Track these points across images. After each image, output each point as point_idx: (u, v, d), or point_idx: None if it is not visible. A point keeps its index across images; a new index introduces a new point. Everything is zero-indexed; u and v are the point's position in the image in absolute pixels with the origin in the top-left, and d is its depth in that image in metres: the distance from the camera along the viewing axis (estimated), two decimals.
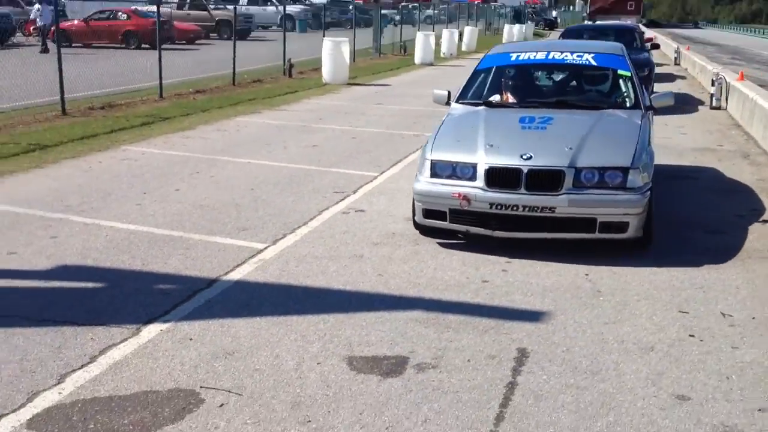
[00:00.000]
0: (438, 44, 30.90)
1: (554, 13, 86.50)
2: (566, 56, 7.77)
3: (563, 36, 17.61)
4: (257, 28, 38.63)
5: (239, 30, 35.50)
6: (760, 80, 18.92)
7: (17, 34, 30.71)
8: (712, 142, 11.69)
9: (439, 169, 6.27)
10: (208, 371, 4.26)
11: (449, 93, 7.79)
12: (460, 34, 35.37)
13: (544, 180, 5.92)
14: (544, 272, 5.83)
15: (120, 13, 29.56)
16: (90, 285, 5.54)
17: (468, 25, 41.91)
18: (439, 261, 6.06)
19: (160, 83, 15.61)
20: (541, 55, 7.93)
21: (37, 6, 26.80)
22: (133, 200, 7.74)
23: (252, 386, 4.10)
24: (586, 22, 71.93)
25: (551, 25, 74.01)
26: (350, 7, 52.03)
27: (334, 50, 19.19)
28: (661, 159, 10.10)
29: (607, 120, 6.90)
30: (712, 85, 15.55)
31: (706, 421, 3.79)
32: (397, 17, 46.09)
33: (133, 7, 28.80)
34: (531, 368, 4.32)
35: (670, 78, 22.25)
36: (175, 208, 7.45)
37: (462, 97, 7.73)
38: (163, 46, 25.85)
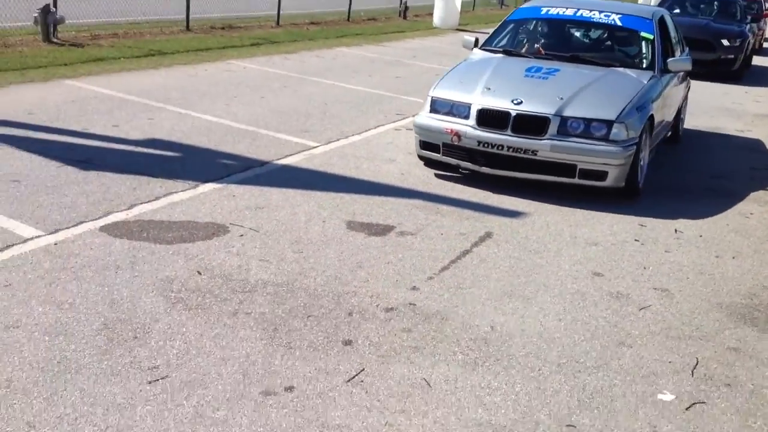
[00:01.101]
0: None
1: None
2: (594, 14, 8.01)
3: (665, 1, 17.69)
4: None
5: None
6: None
7: None
8: None
9: (438, 106, 6.75)
10: (239, 215, 5.53)
11: (477, 39, 8.27)
12: None
13: (530, 124, 6.33)
14: (540, 186, 6.79)
15: None
16: (169, 153, 6.92)
17: None
18: (455, 171, 7.11)
19: (278, 11, 17.02)
20: (570, 12, 8.14)
21: None
22: (224, 101, 9.11)
23: (267, 227, 5.35)
24: None
25: None
26: None
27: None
28: (716, 122, 10.69)
29: (611, 76, 7.17)
30: None
31: (606, 289, 4.78)
32: None
33: None
34: (488, 244, 5.38)
35: None
36: (255, 111, 8.77)
37: (486, 44, 8.16)
38: None
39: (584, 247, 5.49)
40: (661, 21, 8.30)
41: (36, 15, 11.83)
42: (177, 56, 11.85)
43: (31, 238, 4.79)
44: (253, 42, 14.20)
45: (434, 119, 6.74)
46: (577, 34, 8.49)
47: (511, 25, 8.42)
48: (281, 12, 17.13)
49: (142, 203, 5.58)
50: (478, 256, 5.13)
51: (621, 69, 7.40)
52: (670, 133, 8.70)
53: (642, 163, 6.73)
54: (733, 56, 15.14)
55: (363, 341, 3.91)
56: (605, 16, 7.99)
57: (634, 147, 6.36)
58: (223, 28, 15.46)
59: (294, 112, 8.85)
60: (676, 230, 6.03)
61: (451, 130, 6.55)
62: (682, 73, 8.54)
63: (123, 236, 4.97)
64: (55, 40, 11.89)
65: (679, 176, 7.75)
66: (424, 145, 6.85)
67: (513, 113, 6.38)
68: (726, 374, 3.90)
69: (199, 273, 4.52)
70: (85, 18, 13.37)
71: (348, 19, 19.54)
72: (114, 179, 6.01)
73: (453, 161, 6.73)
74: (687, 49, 9.41)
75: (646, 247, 5.62)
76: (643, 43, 7.79)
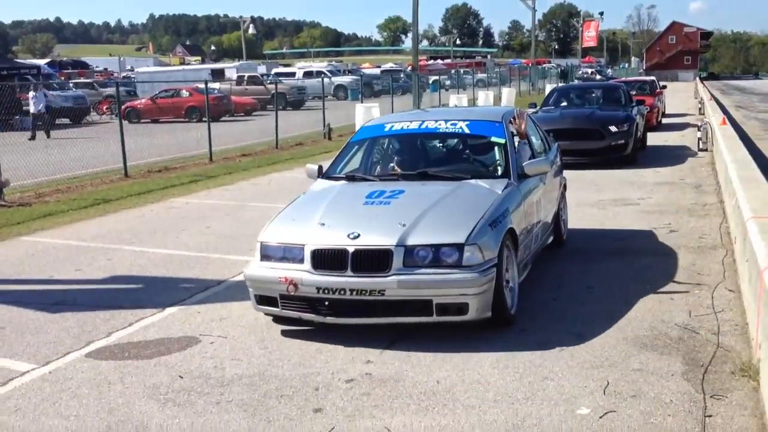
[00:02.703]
0: (475, 104, 33.12)
1: (610, 71, 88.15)
2: (440, 125, 7.40)
3: (551, 95, 18.47)
4: (312, 98, 41.48)
5: (293, 101, 38.70)
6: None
7: (92, 113, 34.03)
8: (676, 177, 13.38)
9: (270, 252, 5.95)
10: (206, 327, 6.25)
11: (320, 167, 7.48)
12: (499, 96, 37.58)
13: (372, 260, 5.54)
14: None
15: (183, 91, 32.69)
16: (133, 286, 7.62)
17: (516, 86, 44.24)
18: None
19: (210, 149, 18.08)
20: (414, 125, 7.53)
21: (32, 93, 25.35)
22: (173, 235, 9.89)
23: (234, 333, 6.07)
24: (640, 75, 72.72)
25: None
26: (401, 74, 55.05)
27: (365, 114, 21.47)
28: (621, 193, 11.85)
29: (461, 191, 6.47)
30: (698, 130, 17.20)
31: (531, 340, 5.61)
32: (448, 82, 48.76)
33: (194, 85, 31.80)
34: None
35: (682, 127, 23.80)
36: (204, 239, 9.56)
37: (330, 172, 7.37)
38: (222, 118, 28.94)
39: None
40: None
41: None
42: (122, 201, 12.65)
43: (27, 371, 5.42)
44: (191, 179, 15.13)
45: (266, 268, 5.90)
46: (426, 147, 7.69)
47: (355, 147, 7.65)
48: (213, 149, 18.16)
49: (118, 330, 6.26)
50: (420, 328, 5.92)
51: (473, 181, 6.72)
52: (551, 238, 8.21)
53: (511, 284, 6.08)
54: (623, 141, 15.04)
55: (331, 407, 4.63)
56: (452, 125, 7.35)
57: (494, 269, 5.61)
58: (160, 171, 16.36)
59: (239, 236, 9.65)
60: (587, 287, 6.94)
61: (286, 279, 5.67)
62: (553, 170, 8.07)
63: (108, 358, 5.63)
64: (2, 203, 12.58)
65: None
66: (260, 299, 5.99)
67: (350, 250, 5.57)
68: (631, 389, 4.73)
69: (181, 377, 5.21)
70: (28, 179, 14.14)
71: (276, 147, 20.69)
72: (88, 315, 6.67)
73: (294, 314, 5.90)
74: (555, 146, 9.01)
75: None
76: (496, 148, 7.16)
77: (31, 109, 24.81)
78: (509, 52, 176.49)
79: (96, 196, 13.18)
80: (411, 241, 5.59)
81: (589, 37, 78.37)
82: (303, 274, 5.67)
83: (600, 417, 4.36)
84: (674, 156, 16.42)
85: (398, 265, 5.51)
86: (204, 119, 19.13)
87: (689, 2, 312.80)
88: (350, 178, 7.16)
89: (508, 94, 38.63)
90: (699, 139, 16.98)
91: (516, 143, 7.26)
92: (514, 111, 7.63)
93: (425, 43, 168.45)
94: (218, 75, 45.98)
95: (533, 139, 7.82)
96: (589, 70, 73.53)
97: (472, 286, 5.48)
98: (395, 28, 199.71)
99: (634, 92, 20.15)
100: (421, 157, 7.49)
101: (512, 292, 6.09)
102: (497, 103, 34.83)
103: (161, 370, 5.34)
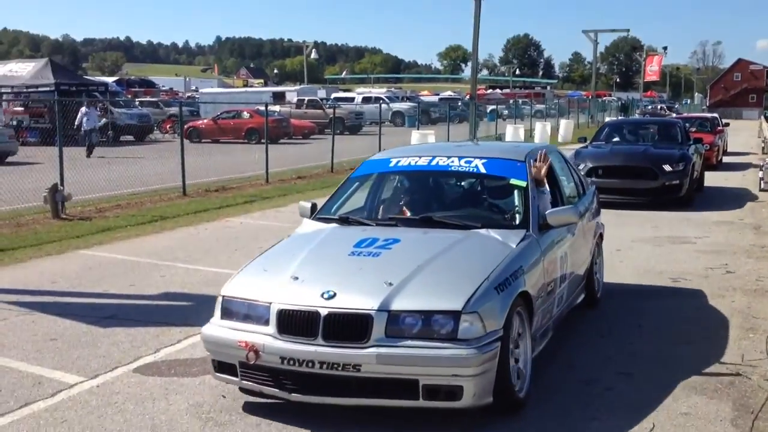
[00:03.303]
0: (531, 136, 33.03)
1: (676, 106, 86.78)
2: (452, 162, 6.29)
3: (602, 129, 17.44)
4: (369, 124, 41.78)
5: (351, 126, 39.04)
6: None
7: (155, 131, 34.84)
8: (735, 217, 13.09)
9: (232, 308, 4.95)
10: None
11: (314, 206, 6.40)
12: (557, 127, 37.35)
13: (347, 327, 4.50)
14: None
15: (243, 113, 33.26)
16: (184, 303, 7.75)
17: (574, 118, 43.97)
18: None
19: (267, 171, 18.33)
20: (423, 161, 6.42)
21: (83, 109, 24.78)
22: (226, 254, 10.03)
23: None
24: (703, 111, 71.11)
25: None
26: (459, 103, 55.16)
27: (420, 141, 21.57)
28: (678, 231, 11.63)
29: (467, 243, 5.40)
30: (760, 170, 16.81)
31: (575, 378, 5.53)
32: (506, 111, 48.70)
33: (255, 108, 32.34)
34: None
35: (744, 167, 23.25)
36: None
37: (323, 212, 6.31)
38: (281, 140, 29.29)
39: None
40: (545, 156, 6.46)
41: (45, 194, 12.91)
42: (178, 219, 12.89)
43: (76, 384, 5.55)
44: (246, 200, 15.35)
45: (226, 328, 4.90)
46: (434, 188, 6.57)
47: (355, 184, 6.64)
48: (269, 170, 18.41)
49: (165, 347, 6.36)
50: None
51: (484, 231, 5.61)
52: (582, 297, 7.11)
53: (520, 362, 4.99)
54: (678, 181, 14.07)
55: None
56: (466, 162, 6.26)
57: (498, 344, 4.56)
58: (217, 190, 16.63)
59: None
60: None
61: (246, 344, 4.69)
62: (587, 218, 7.10)
63: (154, 374, 5.73)
64: (64, 216, 12.92)
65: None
66: (219, 366, 5.00)
67: (323, 312, 4.54)
68: None
69: (224, 396, 5.26)
70: (89, 193, 14.51)
71: (332, 170, 20.89)
72: (139, 330, 6.80)
73: (255, 387, 4.88)
74: (591, 190, 7.93)
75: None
76: (515, 193, 6.04)
77: (84, 125, 24.81)
78: (569, 83, 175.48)
79: (154, 213, 13.46)
80: (396, 304, 4.53)
81: (651, 71, 77.34)
82: (266, 338, 4.65)
83: None
84: (734, 196, 16.06)
85: (379, 335, 4.45)
86: (263, 141, 19.39)
87: (756, 40, 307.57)
88: (343, 220, 6.08)
89: (565, 126, 38.35)
90: (761, 179, 16.61)
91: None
92: (540, 152, 6.50)
93: (485, 72, 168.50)
94: (279, 98, 46.57)
95: (564, 182, 6.94)
96: (659, 105, 71.58)
97: (468, 366, 4.40)
98: (455, 57, 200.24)
99: (693, 129, 19.68)
100: (427, 200, 6.39)
101: (523, 374, 5.00)
102: (554, 135, 34.65)
103: (205, 389, 5.40)
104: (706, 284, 8.37)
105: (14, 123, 30.10)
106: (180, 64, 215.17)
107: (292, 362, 4.57)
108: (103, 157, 22.40)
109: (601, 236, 7.86)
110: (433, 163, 6.40)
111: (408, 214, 6.17)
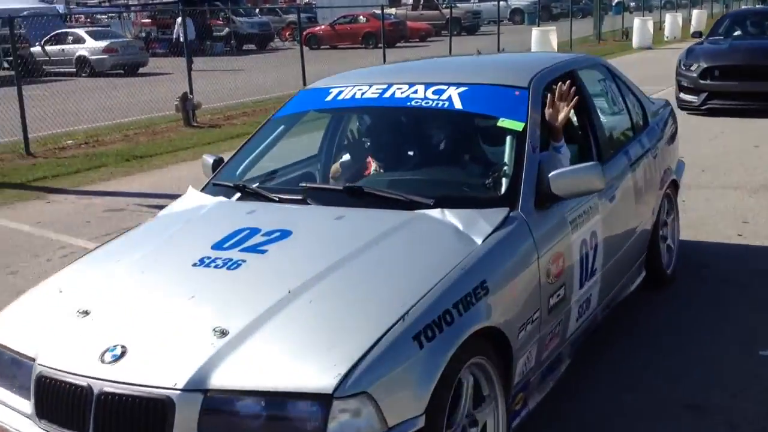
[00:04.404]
0: (661, 29, 31.55)
1: None
2: (414, 93, 3.89)
3: (721, 21, 14.66)
4: (487, 23, 40.90)
5: (468, 26, 38.36)
6: None
7: (275, 39, 35.39)
8: None
9: None
10: None
11: (216, 162, 4.25)
12: (689, 19, 35.44)
13: (133, 417, 2.51)
14: None
15: (360, 17, 33.22)
16: None
17: (707, 8, 41.55)
18: None
19: None
20: (373, 92, 4.03)
21: (179, 19, 22.35)
22: None
23: None
24: None
25: None
26: None
27: (541, 38, 21.10)
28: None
29: (395, 241, 3.13)
30: None
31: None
32: (633, 3, 46.47)
33: (371, 11, 32.24)
34: None
35: None
36: None
37: (223, 174, 4.10)
38: (397, 44, 29.22)
39: None
40: (572, 80, 4.06)
41: (176, 103, 13.54)
42: None
43: None
44: None
45: None
46: (382, 135, 4.21)
47: (280, 128, 4.39)
48: None
49: None
50: None
51: (437, 213, 3.28)
52: (638, 280, 4.79)
53: None
54: None
55: None
56: (435, 92, 3.85)
57: None
58: None
59: None
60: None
61: None
62: (644, 164, 4.68)
63: None
64: (195, 124, 13.54)
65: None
66: None
67: (95, 389, 2.56)
68: None
69: None
70: (217, 102, 15.09)
71: None
72: None
73: None
74: (656, 120, 5.30)
75: None
76: (506, 141, 3.66)
77: (181, 37, 24.33)
78: None
79: None
80: (221, 378, 2.48)
81: None
82: (22, 422, 2.77)
83: None
84: None
85: (187, 428, 2.46)
86: (380, 45, 19.46)
87: None
88: (241, 190, 3.82)
89: (698, 17, 36.24)
90: None
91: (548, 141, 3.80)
92: (562, 75, 4.12)
93: None
94: (395, 0, 46.13)
95: (608, 116, 4.76)
96: None
97: None
98: None
99: None
100: (366, 156, 4.08)
101: None
102: (686, 28, 32.86)
103: None
104: None
105: (143, 35, 31.30)
106: None
107: None
108: (227, 65, 23.07)
109: (675, 185, 5.43)
110: (387, 94, 3.98)
111: (331, 180, 4.11)
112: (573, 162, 3.80)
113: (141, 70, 23.88)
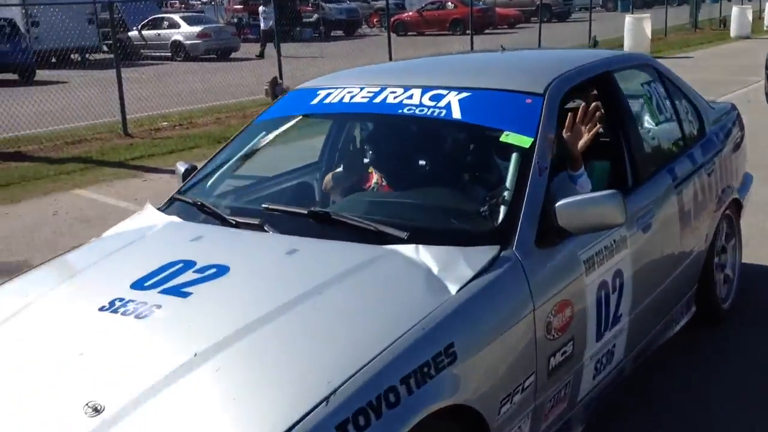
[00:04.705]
0: (761, 18, 30.39)
1: None
2: (409, 99, 3.26)
3: None
4: (578, 9, 40.14)
5: (559, 13, 37.76)
6: None
7: (363, 25, 35.63)
8: None
9: None
10: None
11: (190, 169, 3.75)
12: None
13: None
14: None
15: (448, 3, 33.11)
16: None
17: None
18: None
19: None
20: (363, 96, 3.42)
21: (262, 8, 24.01)
22: None
23: None
24: None
25: None
26: None
27: (634, 26, 20.59)
28: None
29: (349, 286, 2.52)
30: None
31: None
32: None
33: None
34: None
35: None
36: None
37: (187, 187, 3.56)
38: (486, 30, 29.03)
39: None
40: (604, 85, 3.62)
41: (266, 87, 13.84)
42: None
43: None
44: None
45: None
46: (369, 148, 3.64)
47: (260, 134, 3.78)
48: None
49: None
50: None
51: (410, 249, 2.66)
52: (687, 317, 4.08)
53: None
54: None
55: None
56: (433, 98, 3.23)
57: None
58: None
59: None
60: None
61: None
62: (693, 184, 3.94)
63: None
64: None
65: None
66: None
67: None
68: None
69: None
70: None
71: None
72: None
73: None
74: (716, 128, 4.52)
75: None
76: (512, 159, 3.00)
77: (261, 25, 23.99)
78: None
79: None
80: None
81: None
82: None
83: None
84: None
85: None
86: (468, 32, 19.39)
87: None
88: (200, 208, 3.24)
89: None
90: None
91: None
92: (591, 72, 3.58)
93: None
94: None
95: (649, 130, 4.03)
96: None
97: None
98: None
99: None
100: (347, 173, 3.68)
101: None
102: None
103: None
104: None
105: (235, 20, 31.98)
106: None
107: None
108: (311, 51, 23.38)
109: (737, 204, 4.59)
110: (378, 99, 3.36)
111: (323, 193, 3.67)
112: (599, 185, 3.21)
113: (233, 55, 24.41)
